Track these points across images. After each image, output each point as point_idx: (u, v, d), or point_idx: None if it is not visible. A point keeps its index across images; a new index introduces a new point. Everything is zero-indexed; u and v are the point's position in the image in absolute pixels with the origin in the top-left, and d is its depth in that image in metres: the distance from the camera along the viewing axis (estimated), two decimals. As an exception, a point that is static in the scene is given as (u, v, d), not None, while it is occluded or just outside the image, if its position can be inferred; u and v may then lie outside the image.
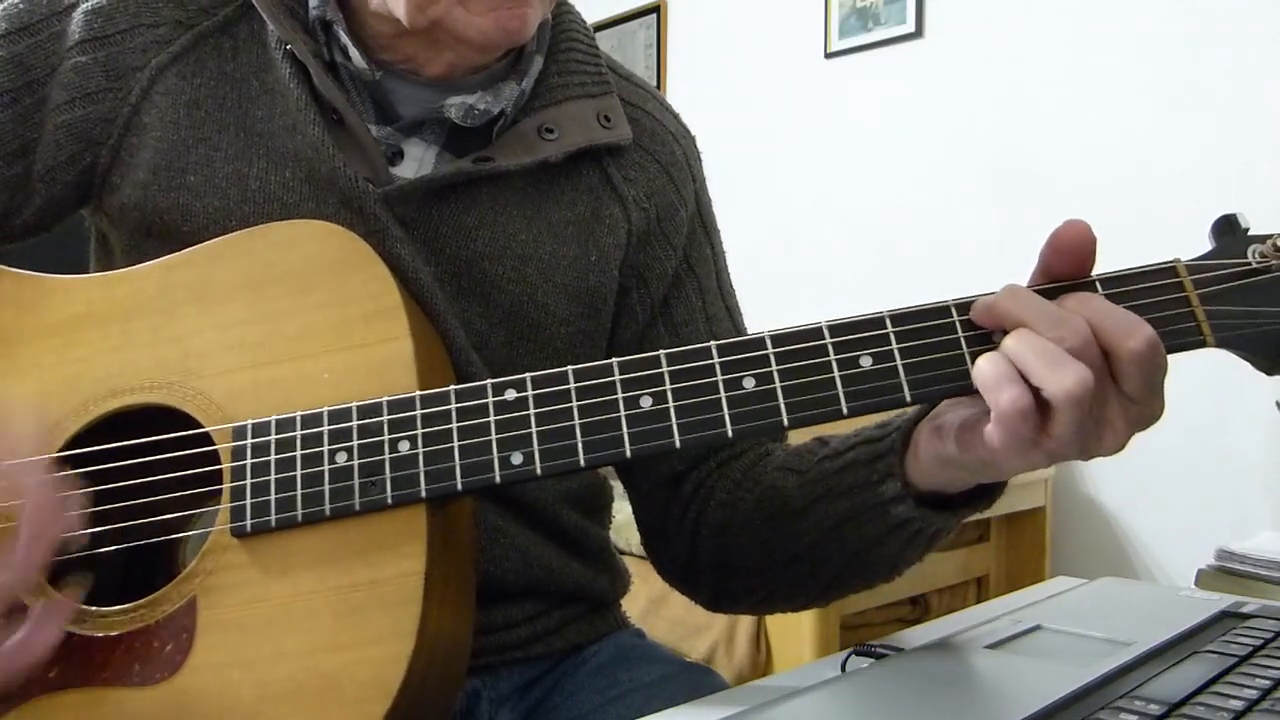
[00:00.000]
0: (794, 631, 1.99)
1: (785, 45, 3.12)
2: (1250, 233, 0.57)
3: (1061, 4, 2.50)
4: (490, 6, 0.71)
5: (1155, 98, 2.33)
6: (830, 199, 3.00)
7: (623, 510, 0.90)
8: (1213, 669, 0.54)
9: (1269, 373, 0.56)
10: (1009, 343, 0.54)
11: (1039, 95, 2.54)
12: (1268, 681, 0.52)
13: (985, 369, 0.54)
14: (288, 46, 0.74)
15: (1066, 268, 0.56)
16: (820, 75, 3.03)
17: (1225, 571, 1.89)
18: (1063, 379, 0.51)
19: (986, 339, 0.56)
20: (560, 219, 0.79)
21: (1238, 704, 0.49)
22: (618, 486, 0.89)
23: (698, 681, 0.81)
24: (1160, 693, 0.51)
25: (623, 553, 0.93)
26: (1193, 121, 2.26)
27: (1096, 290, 0.56)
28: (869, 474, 0.66)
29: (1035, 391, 0.52)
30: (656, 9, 3.54)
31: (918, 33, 2.79)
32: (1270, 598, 0.76)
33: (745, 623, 2.05)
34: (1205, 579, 1.89)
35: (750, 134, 3.18)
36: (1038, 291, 0.56)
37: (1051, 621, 0.66)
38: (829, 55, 3.00)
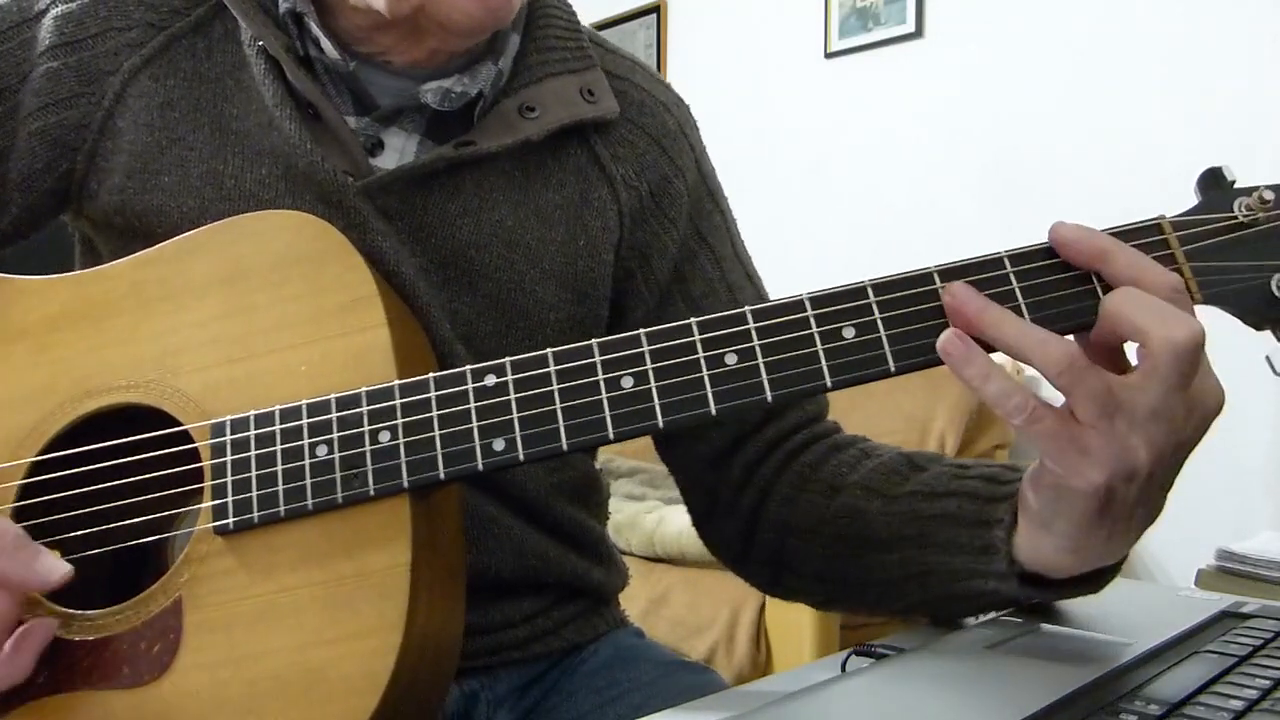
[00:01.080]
0: (794, 631, 1.99)
1: (785, 45, 3.12)
2: (1236, 185, 0.56)
3: (1061, 4, 2.49)
4: None
5: (1154, 97, 2.32)
6: (830, 199, 3.00)
7: (623, 510, 0.90)
8: (1213, 669, 0.54)
9: (1257, 328, 0.55)
10: (1118, 299, 0.52)
11: (1038, 95, 2.53)
12: (1268, 681, 0.52)
13: (996, 393, 0.53)
14: (260, 43, 0.73)
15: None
16: (820, 75, 3.03)
17: (1225, 571, 1.89)
18: (1176, 329, 0.50)
19: None
20: (547, 202, 0.78)
21: (1238, 704, 0.48)
22: (618, 485, 0.88)
23: (696, 681, 0.81)
24: (1160, 693, 0.50)
25: (623, 553, 0.93)
26: (1192, 121, 2.26)
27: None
28: (971, 537, 0.63)
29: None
30: (656, 9, 3.54)
31: (918, 33, 2.79)
32: (1270, 598, 0.76)
33: (745, 623, 2.05)
34: (1205, 579, 1.88)
35: (750, 134, 3.18)
36: (1023, 253, 0.56)
37: (1051, 621, 0.65)
38: (829, 55, 3.00)
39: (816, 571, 0.75)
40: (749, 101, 3.23)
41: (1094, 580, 0.63)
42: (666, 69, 3.53)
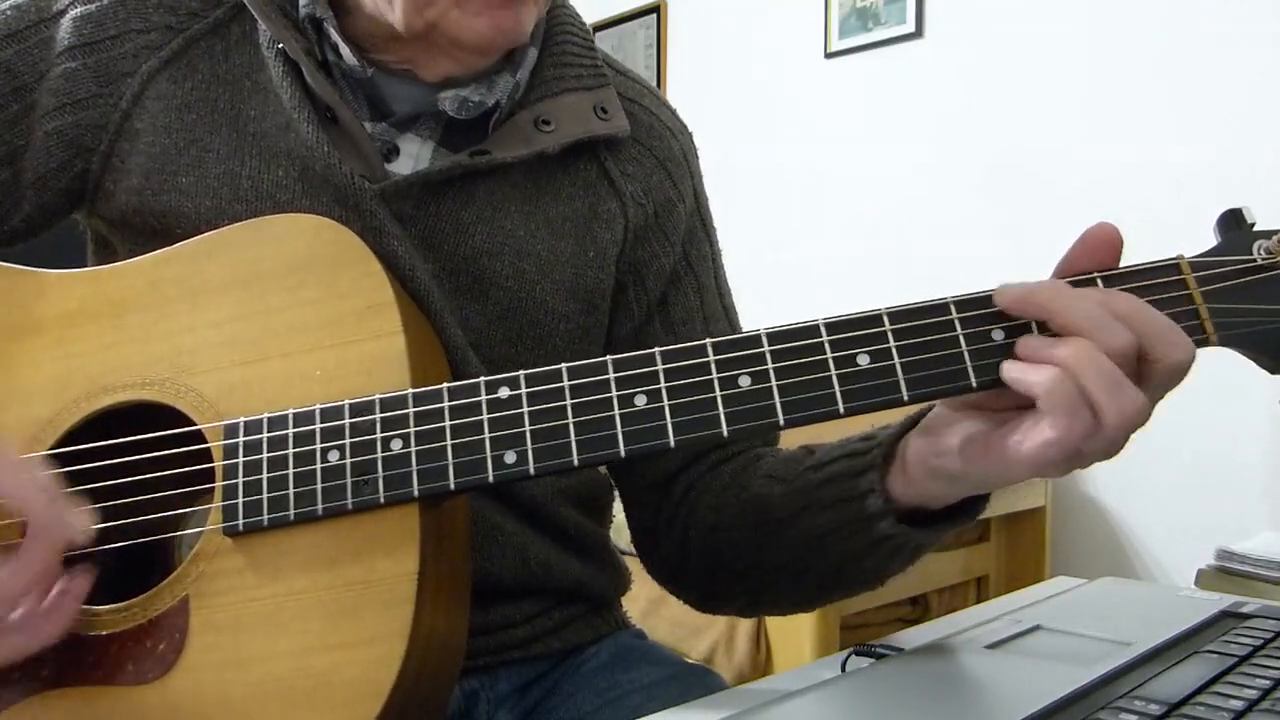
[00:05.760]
0: (794, 631, 1.99)
1: (785, 45, 3.12)
2: (1256, 228, 0.56)
3: (1061, 4, 2.49)
4: (486, 7, 0.70)
5: (1155, 97, 2.32)
6: (830, 199, 3.00)
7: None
8: (1213, 669, 0.54)
9: (1273, 371, 0.55)
10: (1068, 354, 0.52)
11: (1039, 95, 2.53)
12: (1268, 681, 0.52)
13: (1055, 390, 0.52)
14: (279, 45, 0.74)
15: (1093, 265, 0.56)
16: (820, 75, 3.03)
17: (1225, 571, 1.89)
18: (1122, 406, 0.52)
19: (986, 337, 0.55)
20: (558, 214, 0.78)
21: (1238, 704, 0.49)
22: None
23: (697, 683, 0.81)
24: (1160, 693, 0.50)
25: (623, 553, 0.93)
26: (1193, 120, 2.26)
27: (1097, 286, 0.55)
28: (851, 488, 0.65)
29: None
30: (656, 9, 3.54)
31: (918, 33, 2.79)
32: (1270, 598, 0.76)
33: (745, 623, 2.04)
34: (1205, 579, 1.88)
35: (750, 134, 3.18)
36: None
37: (1051, 621, 0.65)
38: (829, 55, 3.00)
39: (738, 569, 0.77)
40: (749, 101, 3.23)
41: (969, 510, 0.65)
42: (666, 69, 3.53)
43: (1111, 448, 0.54)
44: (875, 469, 0.64)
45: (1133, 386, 0.52)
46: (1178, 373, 0.53)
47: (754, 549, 0.74)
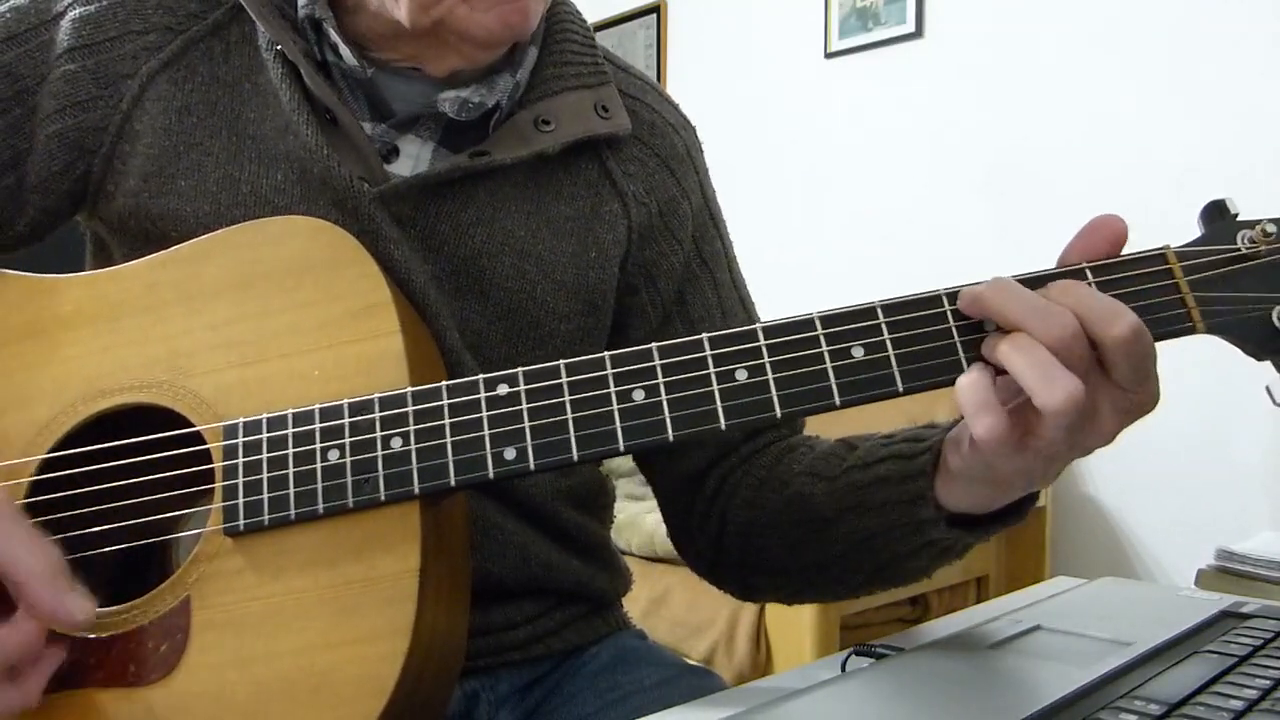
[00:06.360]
0: (794, 631, 1.99)
1: (785, 45, 3.12)
2: (1239, 218, 0.57)
3: (1061, 4, 2.50)
4: (494, 3, 0.70)
5: (1155, 97, 2.33)
6: (830, 199, 3.00)
7: (624, 511, 0.90)
8: (1213, 669, 0.54)
9: (1258, 358, 0.56)
10: (1004, 350, 0.54)
11: (1038, 95, 2.54)
12: (1268, 681, 0.52)
13: (964, 393, 0.54)
14: (278, 47, 0.73)
15: (1091, 254, 0.57)
16: (820, 75, 3.03)
17: (1225, 571, 1.89)
18: (1053, 393, 0.52)
19: (978, 328, 0.56)
20: (559, 214, 0.78)
21: (1238, 704, 0.49)
22: (619, 485, 0.88)
23: (698, 685, 0.80)
24: (1160, 693, 0.51)
25: (623, 553, 0.93)
26: (1193, 120, 2.26)
27: (1086, 278, 0.56)
28: (901, 492, 0.65)
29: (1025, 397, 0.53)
30: (656, 9, 3.54)
31: (918, 33, 2.80)
32: (1270, 598, 0.76)
33: (745, 623, 2.05)
34: (1205, 579, 1.89)
35: (750, 134, 3.19)
36: (1027, 280, 0.56)
37: (1051, 621, 0.65)
38: (829, 55, 3.01)
39: (780, 565, 0.77)
40: (749, 102, 3.23)
41: (1017, 510, 0.65)
42: (666, 69, 3.53)
43: (1074, 433, 0.54)
44: (925, 475, 0.64)
45: (1066, 373, 0.52)
46: (1126, 346, 0.52)
47: (796, 546, 0.74)
